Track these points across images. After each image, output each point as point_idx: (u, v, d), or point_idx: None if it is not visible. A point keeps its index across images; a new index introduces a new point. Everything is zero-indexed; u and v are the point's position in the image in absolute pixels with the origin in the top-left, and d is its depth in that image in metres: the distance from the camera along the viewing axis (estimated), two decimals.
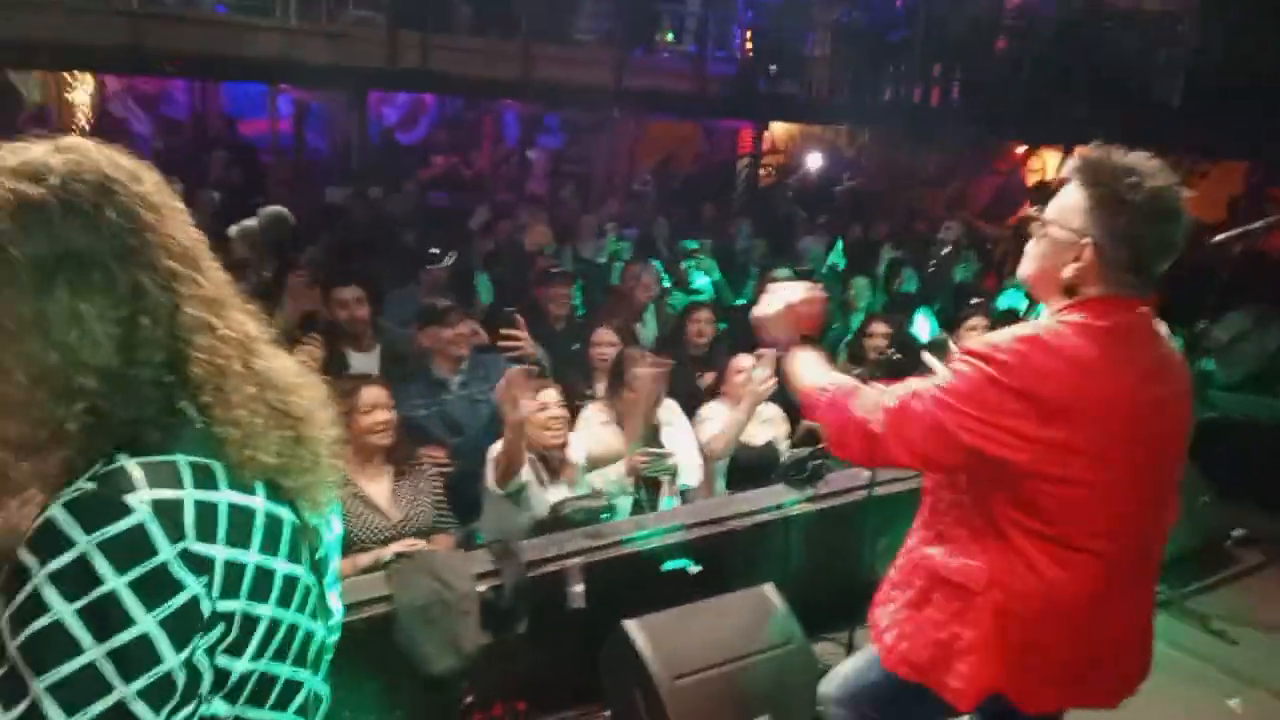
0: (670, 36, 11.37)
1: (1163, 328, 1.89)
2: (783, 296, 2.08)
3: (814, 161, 11.62)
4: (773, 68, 10.92)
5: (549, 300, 5.13)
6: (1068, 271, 1.80)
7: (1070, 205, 1.80)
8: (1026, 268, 1.92)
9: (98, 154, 0.94)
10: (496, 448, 3.40)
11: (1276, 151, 7.55)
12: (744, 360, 4.16)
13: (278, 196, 7.78)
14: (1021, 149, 10.48)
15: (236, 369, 0.96)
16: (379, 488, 3.26)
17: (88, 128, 14.09)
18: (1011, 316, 6.36)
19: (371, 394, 3.21)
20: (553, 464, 3.54)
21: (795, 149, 13.38)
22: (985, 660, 1.83)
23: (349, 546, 3.14)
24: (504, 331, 4.14)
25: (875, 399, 1.84)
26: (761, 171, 13.13)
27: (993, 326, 5.29)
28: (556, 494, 3.44)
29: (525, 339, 4.16)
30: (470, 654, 2.71)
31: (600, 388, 4.23)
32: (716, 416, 4.10)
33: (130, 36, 7.46)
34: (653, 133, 13.40)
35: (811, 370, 2.01)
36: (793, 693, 2.85)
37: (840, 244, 6.80)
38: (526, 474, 3.42)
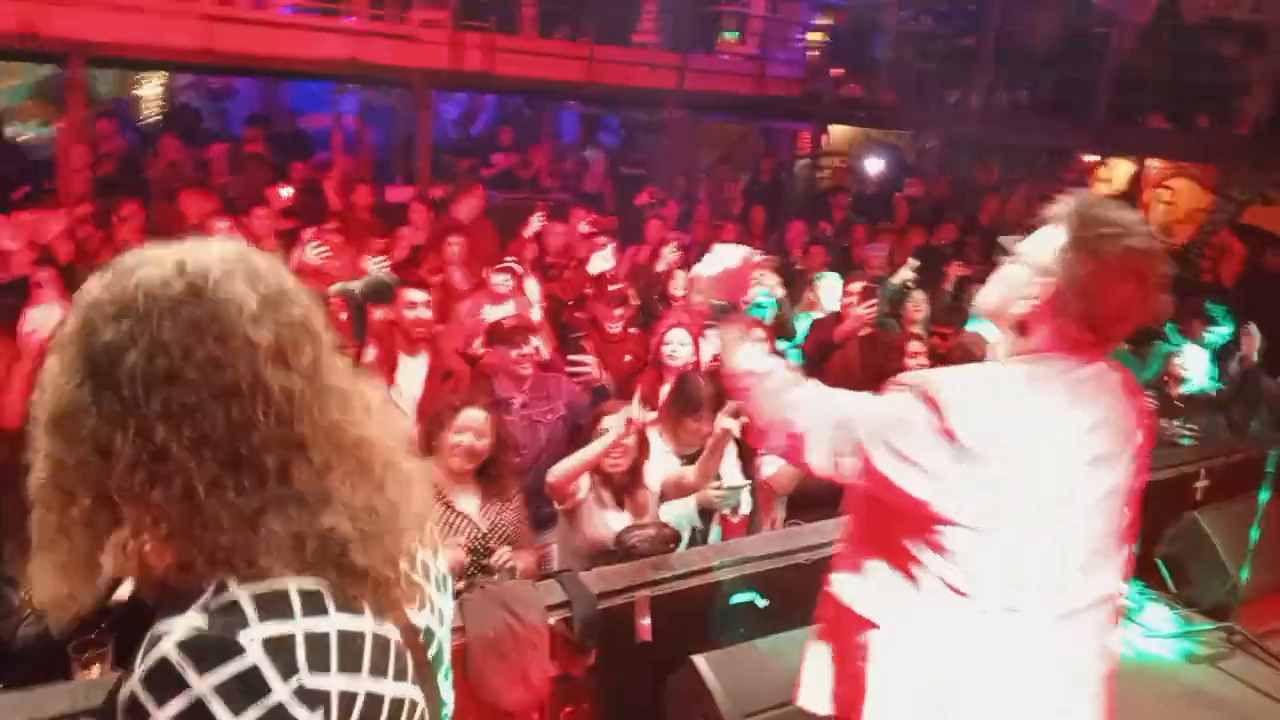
0: (733, 35, 11.28)
1: (1118, 379, 1.79)
2: (722, 259, 2.00)
3: (874, 166, 11.45)
4: (838, 70, 10.77)
5: (605, 317, 5.10)
6: (1021, 307, 1.74)
7: (1044, 243, 1.73)
8: (986, 293, 1.86)
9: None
10: (559, 469, 3.40)
11: None
12: None
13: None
14: (1092, 159, 10.21)
15: (345, 487, 0.94)
16: (469, 499, 3.30)
17: (161, 119, 14.46)
18: None
19: (469, 417, 3.24)
20: (617, 488, 3.52)
21: (854, 152, 13.20)
22: (887, 702, 1.74)
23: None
24: (571, 358, 4.13)
25: (807, 399, 1.78)
26: (820, 174, 13.00)
27: None
28: (619, 521, 3.42)
29: (592, 363, 4.15)
30: (539, 686, 2.71)
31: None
32: None
33: (203, 37, 7.58)
34: (711, 132, 13.30)
35: (746, 350, 1.91)
36: None
37: (912, 261, 6.66)
38: (584, 491, 3.42)
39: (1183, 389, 5.38)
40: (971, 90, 9.47)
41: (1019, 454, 1.63)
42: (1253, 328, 5.72)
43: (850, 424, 1.72)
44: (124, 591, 2.68)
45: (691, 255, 8.05)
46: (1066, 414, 1.68)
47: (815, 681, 1.93)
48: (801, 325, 6.14)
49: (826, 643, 1.91)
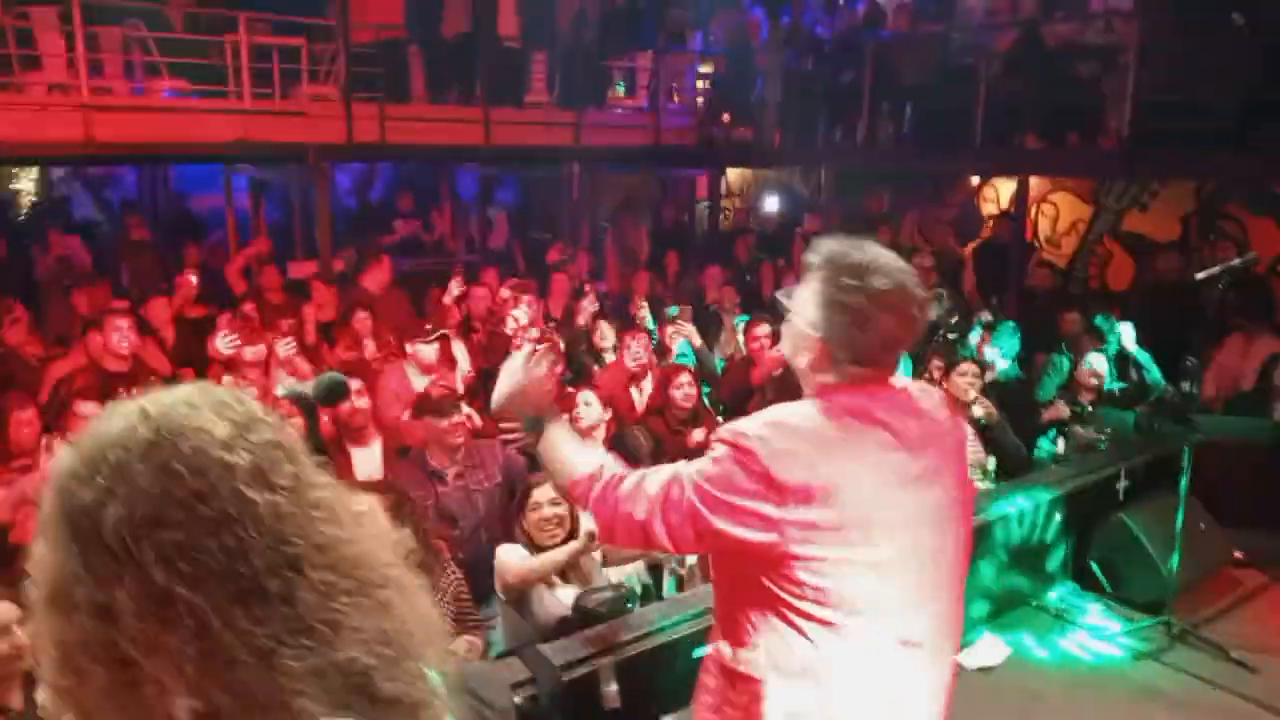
0: (622, 88, 11.49)
1: (927, 398, 1.91)
2: (511, 375, 2.02)
3: (771, 205, 11.75)
4: (725, 116, 11.06)
5: None
6: (802, 360, 1.88)
7: (805, 299, 1.87)
8: (782, 345, 2.02)
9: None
10: (505, 554, 3.35)
11: (1225, 172, 7.77)
12: None
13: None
14: (975, 180, 10.69)
15: (353, 613, 0.90)
16: None
17: (37, 212, 13.87)
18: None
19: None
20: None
21: (751, 192, 13.52)
22: None
23: None
24: (502, 425, 4.09)
25: (639, 485, 1.84)
26: (720, 217, 13.27)
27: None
28: (568, 595, 3.37)
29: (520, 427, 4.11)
30: None
31: None
32: None
33: (84, 128, 7.34)
34: (607, 183, 13.45)
35: (572, 455, 1.96)
36: None
37: None
38: None
39: (1093, 395, 5.62)
40: (855, 125, 9.81)
41: (836, 484, 1.72)
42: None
43: (680, 494, 1.78)
44: None
45: (609, 304, 8.12)
46: (872, 440, 1.79)
47: None
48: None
49: (717, 713, 1.90)
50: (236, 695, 0.83)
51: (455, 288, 6.86)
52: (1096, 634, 4.31)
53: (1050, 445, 5.40)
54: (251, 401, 0.94)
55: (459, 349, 6.34)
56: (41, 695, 0.88)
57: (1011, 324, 6.99)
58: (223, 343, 4.71)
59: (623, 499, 1.83)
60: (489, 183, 14.44)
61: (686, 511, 1.76)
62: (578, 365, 5.64)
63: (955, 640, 1.94)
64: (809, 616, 1.74)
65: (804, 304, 1.86)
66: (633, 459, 3.80)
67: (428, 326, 5.73)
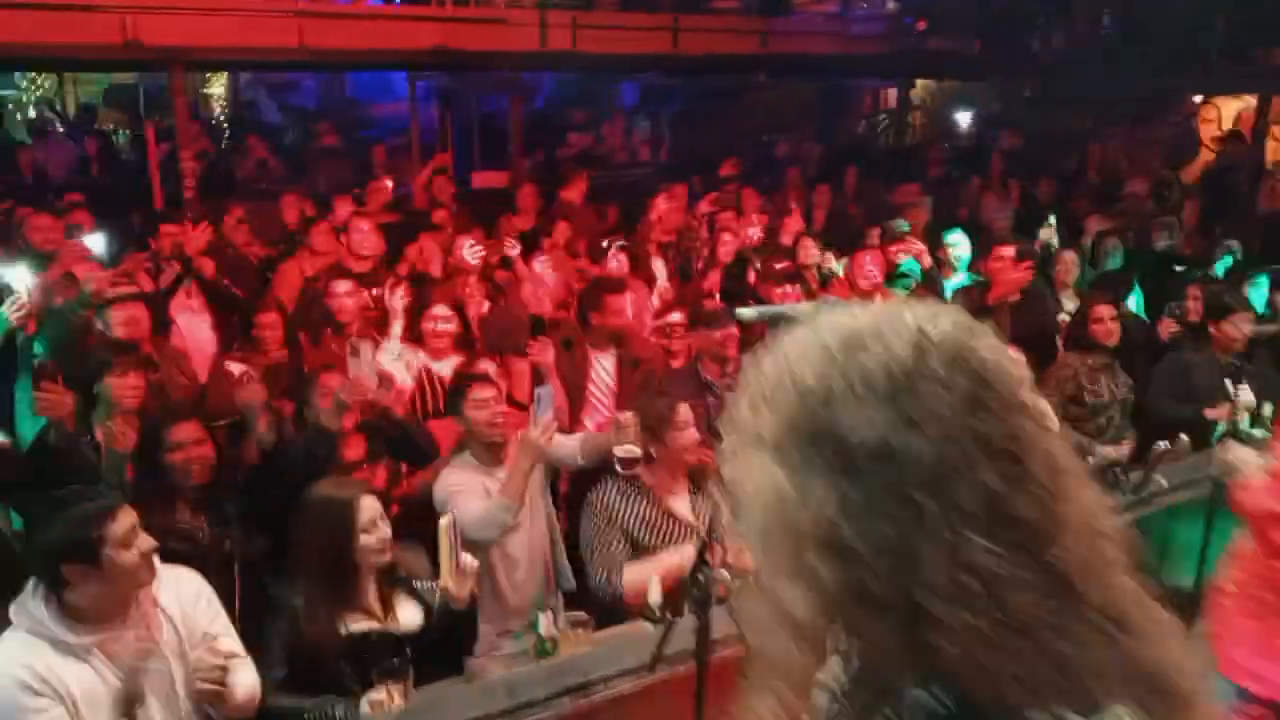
0: None
1: None
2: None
3: (964, 119, 11.13)
4: (921, 23, 10.46)
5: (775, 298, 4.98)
6: None
7: None
8: None
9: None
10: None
11: None
12: None
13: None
14: (1198, 99, 9.82)
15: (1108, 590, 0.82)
16: (680, 501, 3.23)
17: (224, 118, 14.51)
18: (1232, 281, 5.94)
19: (685, 411, 3.17)
20: None
21: (934, 107, 12.85)
22: None
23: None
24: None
25: None
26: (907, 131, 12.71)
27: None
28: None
29: None
30: None
31: None
32: None
33: (296, 35, 7.52)
34: (779, 92, 12.98)
35: None
36: None
37: (1050, 219, 6.41)
38: None
39: None
40: (1066, 33, 9.12)
41: None
42: None
43: None
44: (416, 621, 2.67)
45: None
46: None
47: None
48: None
49: None
50: (1025, 676, 0.76)
51: (663, 203, 6.75)
52: None
53: None
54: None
55: (658, 264, 6.29)
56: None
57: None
58: (469, 252, 4.79)
59: None
60: (652, 94, 14.16)
61: None
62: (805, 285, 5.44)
63: None
64: None
65: None
66: None
67: (620, 242, 5.69)
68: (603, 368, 4.33)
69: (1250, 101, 8.78)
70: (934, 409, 0.76)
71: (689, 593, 2.61)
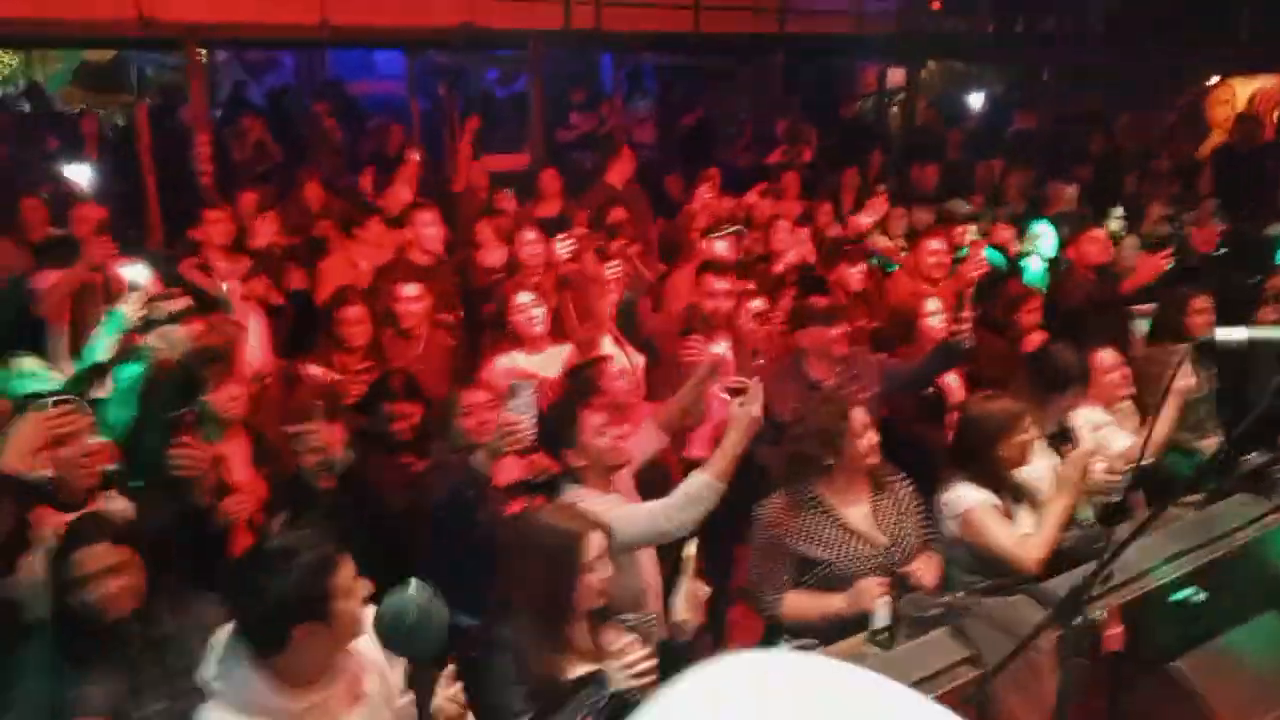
0: None
1: None
2: None
3: (976, 101, 11.08)
4: (935, 3, 10.38)
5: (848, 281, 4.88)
6: None
7: None
8: None
9: None
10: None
11: None
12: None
13: None
14: (1213, 80, 9.88)
15: None
16: (858, 511, 3.06)
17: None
18: None
19: (861, 415, 3.01)
20: None
21: (942, 88, 12.78)
22: None
23: (839, 580, 2.97)
24: None
25: None
26: (894, 110, 12.64)
27: None
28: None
29: None
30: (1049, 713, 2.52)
31: None
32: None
33: (317, 11, 7.17)
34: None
35: None
36: None
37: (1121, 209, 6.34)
38: None
39: None
40: (1083, 13, 9.10)
41: None
42: None
43: None
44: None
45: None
46: None
47: None
48: None
49: None
50: None
51: (707, 191, 6.54)
52: None
53: None
54: None
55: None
56: None
57: None
58: (563, 246, 4.54)
59: None
60: (639, 73, 13.84)
61: None
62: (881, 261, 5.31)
63: None
64: None
65: None
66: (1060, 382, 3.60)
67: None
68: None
69: (1267, 82, 8.84)
70: None
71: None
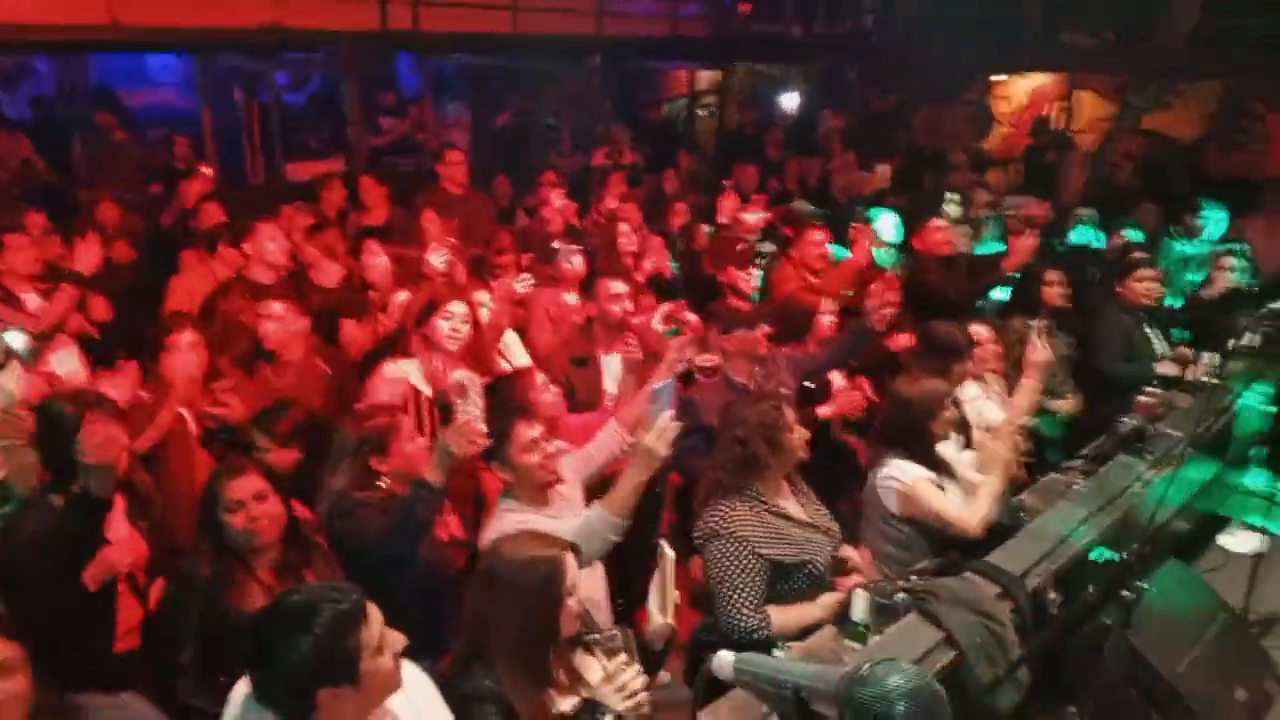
0: None
1: None
2: None
3: (790, 102, 11.47)
4: (747, 7, 10.69)
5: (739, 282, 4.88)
6: None
7: None
8: None
9: None
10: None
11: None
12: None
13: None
14: (1000, 77, 10.71)
15: None
16: (793, 505, 3.04)
17: None
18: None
19: (790, 412, 2.99)
20: None
21: (737, 89, 13.16)
22: None
23: (816, 580, 2.92)
24: None
25: None
26: (701, 113, 12.94)
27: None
28: None
29: None
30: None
31: None
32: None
33: (107, 11, 6.45)
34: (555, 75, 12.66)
35: None
36: None
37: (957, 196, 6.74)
38: None
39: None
40: (885, 14, 9.64)
41: None
42: None
43: None
44: (598, 677, 2.31)
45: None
46: None
47: None
48: None
49: None
50: None
51: (558, 199, 6.40)
52: None
53: None
54: None
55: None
56: None
57: None
58: (521, 284, 4.18)
59: None
60: (434, 76, 13.35)
61: None
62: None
63: None
64: None
65: None
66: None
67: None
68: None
69: (1045, 81, 9.71)
70: None
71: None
